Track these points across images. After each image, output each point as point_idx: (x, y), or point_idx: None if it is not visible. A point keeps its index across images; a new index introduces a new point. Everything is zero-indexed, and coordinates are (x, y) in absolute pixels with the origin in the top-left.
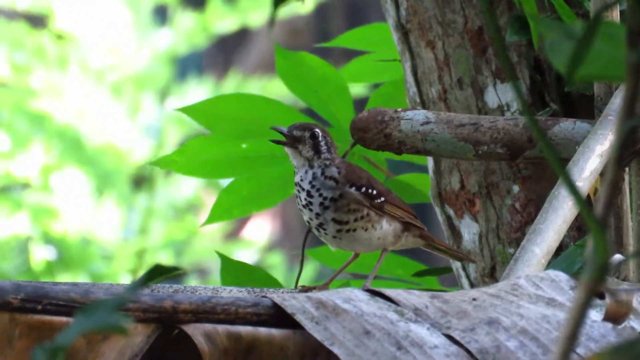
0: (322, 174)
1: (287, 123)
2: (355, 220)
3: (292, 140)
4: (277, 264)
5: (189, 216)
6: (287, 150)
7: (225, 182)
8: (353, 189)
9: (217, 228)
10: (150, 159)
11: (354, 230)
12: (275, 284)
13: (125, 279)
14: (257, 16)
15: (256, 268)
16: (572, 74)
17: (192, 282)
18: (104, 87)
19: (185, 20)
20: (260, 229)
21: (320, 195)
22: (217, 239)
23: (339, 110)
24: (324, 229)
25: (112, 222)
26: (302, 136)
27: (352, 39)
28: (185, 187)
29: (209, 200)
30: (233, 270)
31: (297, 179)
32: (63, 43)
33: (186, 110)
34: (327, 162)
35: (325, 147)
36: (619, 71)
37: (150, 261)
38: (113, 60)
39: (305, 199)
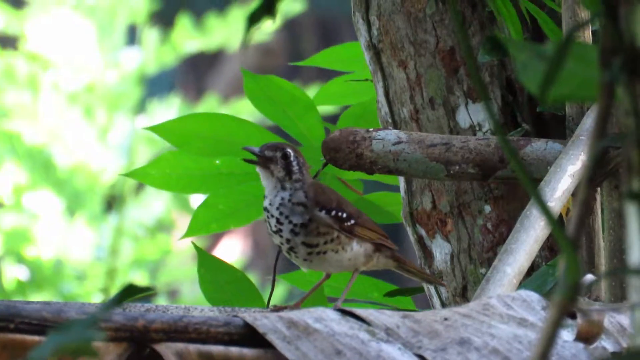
0: (290, 200)
1: (258, 142)
2: (325, 243)
3: (263, 160)
4: None
5: (161, 235)
6: (259, 170)
7: (197, 201)
8: (322, 213)
9: (189, 247)
10: (121, 178)
11: (325, 252)
12: (250, 285)
13: (98, 299)
14: (226, 37)
15: (233, 267)
16: (544, 94)
17: (162, 302)
18: (74, 108)
19: (153, 40)
20: (232, 249)
21: (290, 222)
22: (189, 258)
23: (309, 129)
24: (295, 252)
25: (84, 242)
26: (273, 156)
27: (325, 59)
28: (156, 206)
29: (180, 220)
30: (210, 267)
31: (265, 203)
32: (34, 64)
33: (156, 129)
34: (298, 185)
35: (297, 167)
36: (591, 91)
37: (122, 280)
38: (83, 81)
39: (276, 226)
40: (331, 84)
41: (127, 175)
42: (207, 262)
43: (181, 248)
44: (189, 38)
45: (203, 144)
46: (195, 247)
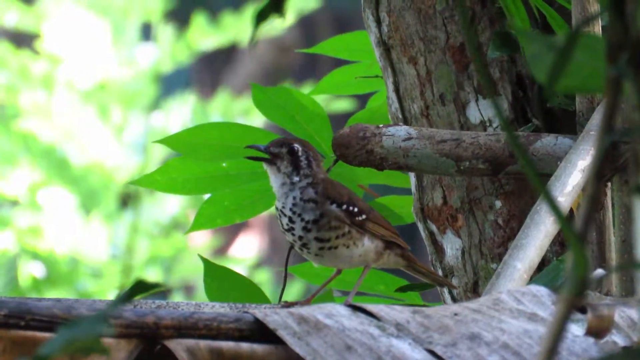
0: (301, 198)
1: None
2: (337, 237)
3: (270, 157)
4: (264, 281)
5: (175, 233)
6: (266, 167)
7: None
8: (334, 206)
9: (206, 244)
10: (136, 176)
11: (336, 247)
12: (258, 292)
13: (112, 296)
14: (242, 34)
15: (239, 275)
16: (552, 85)
17: (178, 298)
18: (89, 106)
19: (168, 38)
20: (249, 246)
21: (302, 219)
22: (205, 255)
23: (318, 132)
24: (307, 248)
25: (99, 240)
26: (279, 152)
27: (335, 47)
28: (171, 204)
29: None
30: (217, 276)
31: (278, 205)
32: (48, 63)
33: (165, 141)
34: (307, 180)
35: (306, 161)
36: (600, 83)
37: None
38: (97, 79)
39: (287, 224)
40: (336, 72)
41: (135, 183)
42: (213, 271)
43: (197, 245)
44: (205, 36)
45: (211, 150)
46: (201, 258)
